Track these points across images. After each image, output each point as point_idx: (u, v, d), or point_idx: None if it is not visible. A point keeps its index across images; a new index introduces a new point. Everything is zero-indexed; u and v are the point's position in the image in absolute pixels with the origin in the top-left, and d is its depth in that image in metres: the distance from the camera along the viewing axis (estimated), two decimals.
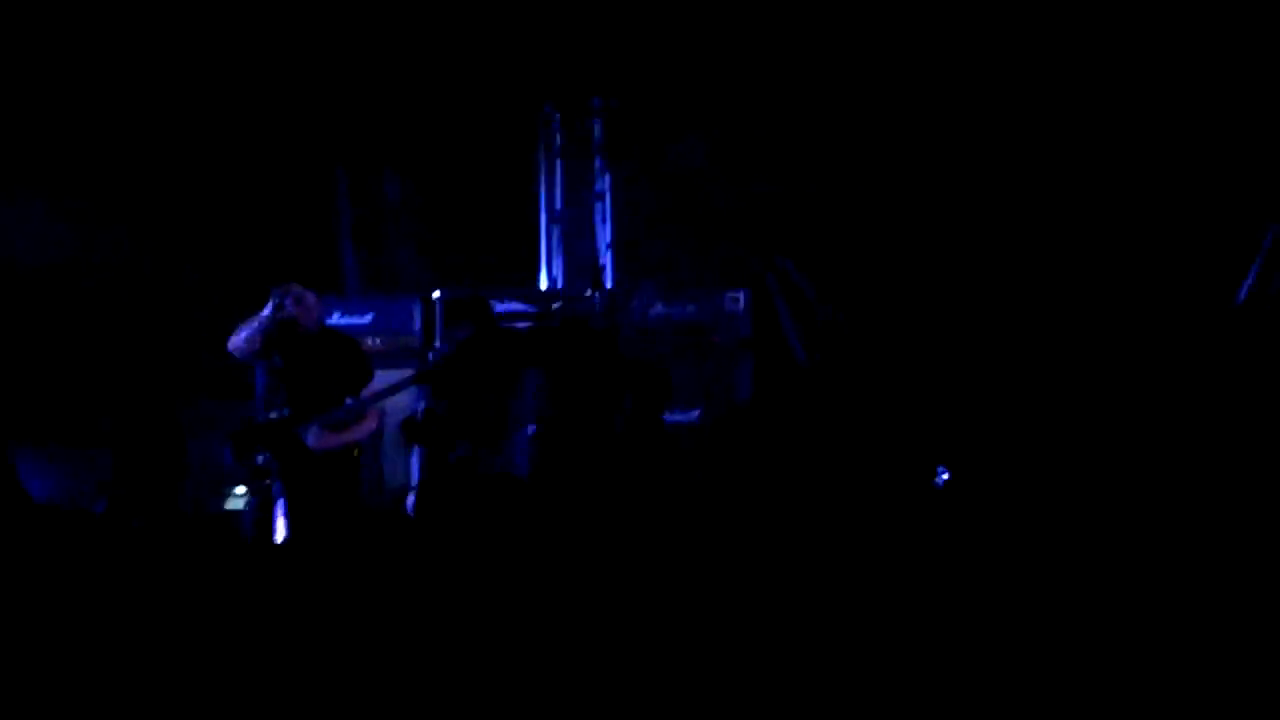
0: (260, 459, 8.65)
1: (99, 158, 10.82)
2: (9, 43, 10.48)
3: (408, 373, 9.27)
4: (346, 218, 11.41)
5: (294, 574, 7.23)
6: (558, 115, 11.52)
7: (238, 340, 8.76)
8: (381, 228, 11.50)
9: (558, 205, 11.51)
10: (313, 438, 8.60)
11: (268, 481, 8.67)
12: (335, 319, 10.28)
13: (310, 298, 8.76)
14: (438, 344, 10.40)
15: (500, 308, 10.66)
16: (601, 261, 11.36)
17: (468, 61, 10.94)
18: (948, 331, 10.65)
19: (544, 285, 11.38)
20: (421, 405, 9.99)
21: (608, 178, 11.48)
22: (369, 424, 8.86)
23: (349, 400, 8.73)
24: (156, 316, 11.07)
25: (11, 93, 10.58)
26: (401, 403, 9.89)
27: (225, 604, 6.11)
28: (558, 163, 11.53)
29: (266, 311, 8.63)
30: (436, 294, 10.49)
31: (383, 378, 8.96)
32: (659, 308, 10.82)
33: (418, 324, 10.56)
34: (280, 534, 8.55)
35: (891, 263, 10.82)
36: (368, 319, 10.52)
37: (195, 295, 10.90)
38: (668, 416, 10.58)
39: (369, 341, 10.20)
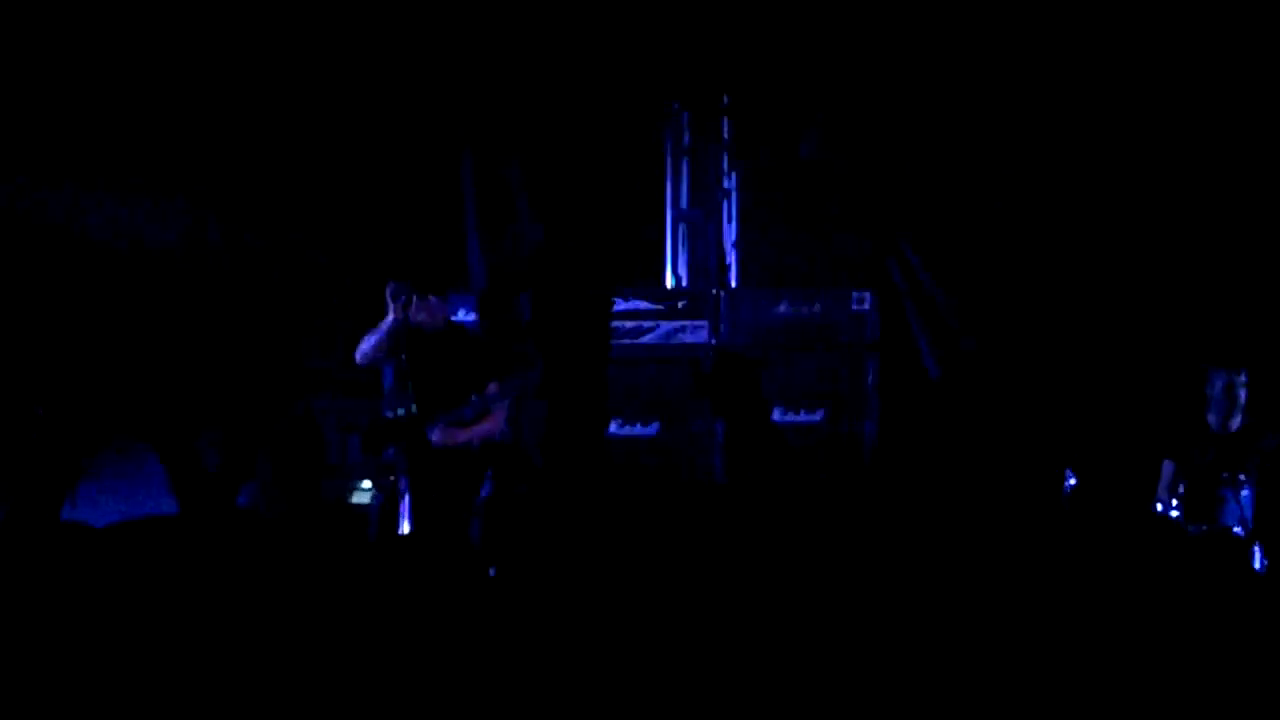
0: (388, 454, 8.72)
1: (230, 150, 10.93)
2: (138, 33, 10.62)
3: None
4: (474, 215, 11.45)
5: (414, 568, 7.28)
6: (685, 113, 11.50)
7: (364, 350, 8.82)
8: (510, 223, 11.52)
9: (683, 203, 11.49)
10: (437, 434, 8.66)
11: (393, 477, 8.73)
12: (462, 315, 10.34)
13: (433, 300, 8.80)
14: None
15: (624, 305, 10.68)
16: (727, 260, 11.35)
17: (598, 59, 10.95)
18: (1085, 342, 10.53)
19: (669, 283, 11.37)
20: None
21: (734, 175, 11.44)
22: (494, 423, 8.90)
23: (474, 398, 8.77)
24: (287, 308, 11.18)
25: (144, 83, 10.72)
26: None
27: (350, 596, 6.15)
28: (684, 160, 11.52)
29: (388, 320, 8.67)
30: None
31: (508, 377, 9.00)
32: (783, 307, 10.78)
33: None
34: (404, 528, 8.60)
35: (1029, 267, 10.70)
36: None
37: (326, 288, 11.00)
38: (792, 417, 10.56)
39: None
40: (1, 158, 10.69)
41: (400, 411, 8.72)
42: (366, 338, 8.78)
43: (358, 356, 8.84)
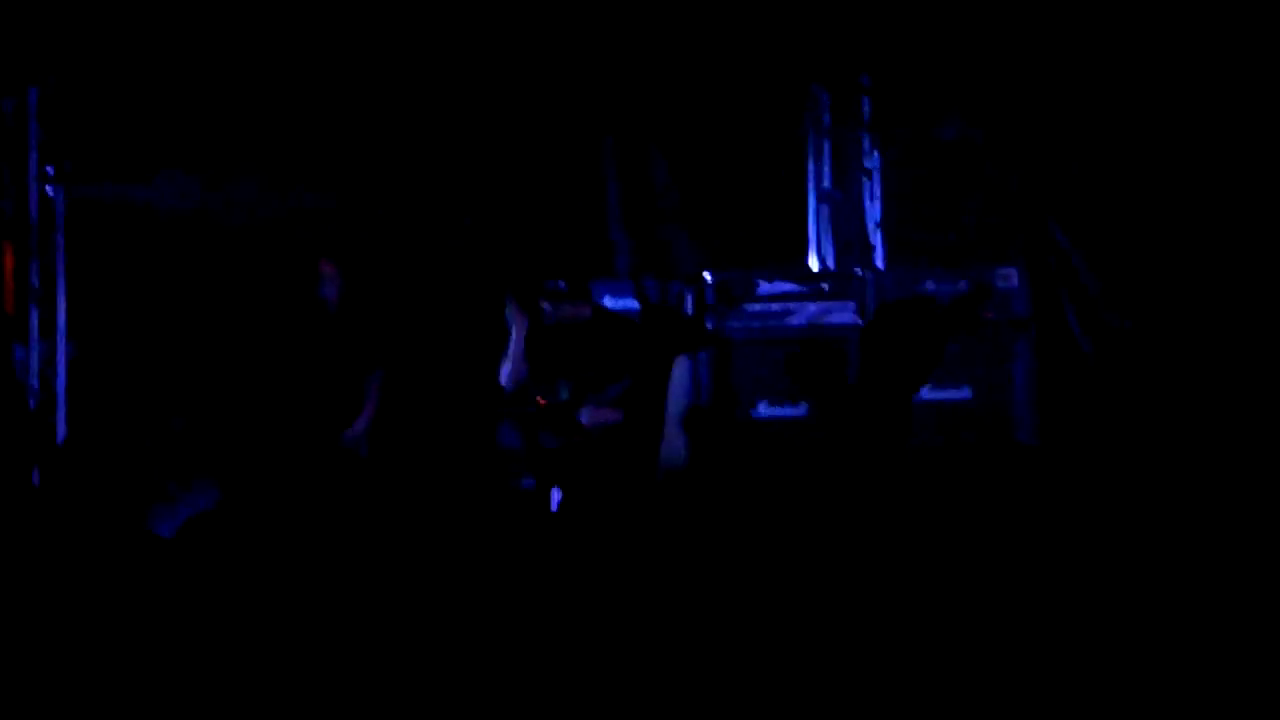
0: (543, 439, 8.84)
1: (375, 145, 11.10)
2: (298, 30, 10.82)
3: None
4: (615, 199, 11.53)
5: (569, 548, 7.39)
6: (826, 94, 11.50)
7: (507, 376, 8.95)
8: (650, 209, 11.60)
9: (825, 184, 11.50)
10: (586, 415, 8.75)
11: (547, 461, 8.85)
12: (606, 302, 10.42)
13: (566, 307, 8.90)
14: (708, 324, 10.49)
15: (768, 288, 10.71)
16: (870, 240, 11.35)
17: (736, 42, 10.98)
18: (1241, 321, 10.39)
19: (813, 265, 11.39)
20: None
21: (876, 155, 11.43)
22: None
23: (623, 380, 8.86)
24: (431, 298, 11.31)
25: (298, 78, 10.92)
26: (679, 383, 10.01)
27: (506, 575, 6.27)
28: (825, 141, 11.52)
29: (513, 345, 8.80)
30: (707, 276, 10.59)
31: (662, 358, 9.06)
32: (929, 285, 10.77)
33: (689, 305, 10.65)
34: (555, 511, 8.72)
35: (1182, 245, 10.58)
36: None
37: (467, 279, 11.12)
38: (939, 395, 10.55)
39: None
40: (162, 156, 10.95)
41: (550, 399, 8.84)
42: (504, 365, 8.92)
43: (507, 385, 8.98)
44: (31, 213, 10.73)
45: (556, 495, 8.90)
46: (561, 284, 8.99)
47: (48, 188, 10.77)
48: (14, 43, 10.47)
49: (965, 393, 10.65)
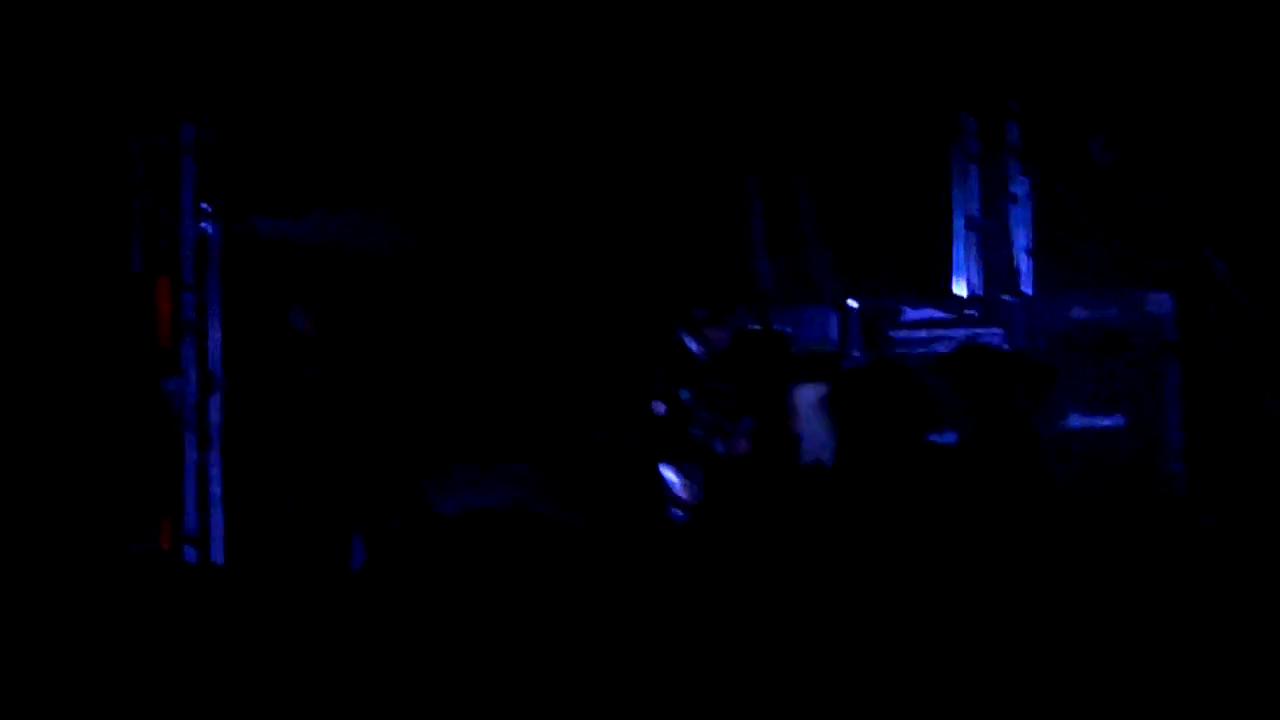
0: (690, 470, 8.86)
1: (520, 176, 11.22)
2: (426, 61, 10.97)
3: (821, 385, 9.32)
4: (759, 228, 11.55)
5: (710, 574, 7.37)
6: (973, 120, 11.43)
7: (658, 410, 9.02)
8: (794, 237, 11.59)
9: (972, 210, 11.43)
10: (743, 443, 8.76)
11: (695, 492, 8.87)
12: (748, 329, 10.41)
13: (711, 328, 8.92)
14: (854, 353, 10.45)
15: (914, 315, 10.65)
16: (1017, 266, 11.24)
17: (881, 70, 10.97)
18: None
19: (959, 292, 11.31)
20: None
21: (1024, 181, 11.34)
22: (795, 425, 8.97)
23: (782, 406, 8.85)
24: (571, 329, 11.41)
25: (448, 112, 11.06)
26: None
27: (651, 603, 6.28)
28: (971, 167, 11.44)
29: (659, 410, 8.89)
30: (852, 303, 10.55)
31: (801, 387, 9.04)
32: (1079, 311, 10.65)
33: (834, 333, 10.62)
34: (706, 538, 8.70)
35: None
36: (784, 330, 10.63)
37: (613, 305, 11.20)
38: (1091, 422, 10.42)
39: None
40: (315, 193, 11.14)
41: (700, 431, 8.86)
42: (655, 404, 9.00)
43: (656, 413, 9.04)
44: (186, 248, 10.93)
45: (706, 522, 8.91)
46: (704, 312, 9.00)
47: (203, 224, 10.97)
48: (171, 80, 10.68)
49: (1118, 420, 10.52)
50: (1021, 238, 11.31)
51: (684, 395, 9.02)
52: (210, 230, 11.01)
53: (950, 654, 5.92)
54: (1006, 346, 10.58)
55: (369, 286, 11.42)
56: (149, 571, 8.85)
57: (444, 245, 11.45)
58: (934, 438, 10.47)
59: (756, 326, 10.61)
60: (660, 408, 9.11)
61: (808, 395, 9.12)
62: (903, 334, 10.62)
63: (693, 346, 8.87)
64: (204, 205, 10.95)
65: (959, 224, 11.42)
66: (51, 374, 10.31)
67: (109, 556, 9.86)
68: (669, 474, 9.19)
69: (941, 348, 10.61)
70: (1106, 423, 10.51)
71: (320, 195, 11.32)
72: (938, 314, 10.70)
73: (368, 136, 11.25)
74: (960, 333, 10.64)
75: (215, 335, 10.86)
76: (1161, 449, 10.48)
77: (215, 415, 10.80)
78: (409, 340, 11.39)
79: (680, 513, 9.16)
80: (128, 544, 10.28)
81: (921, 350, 10.64)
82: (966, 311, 10.74)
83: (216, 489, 10.63)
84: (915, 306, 10.68)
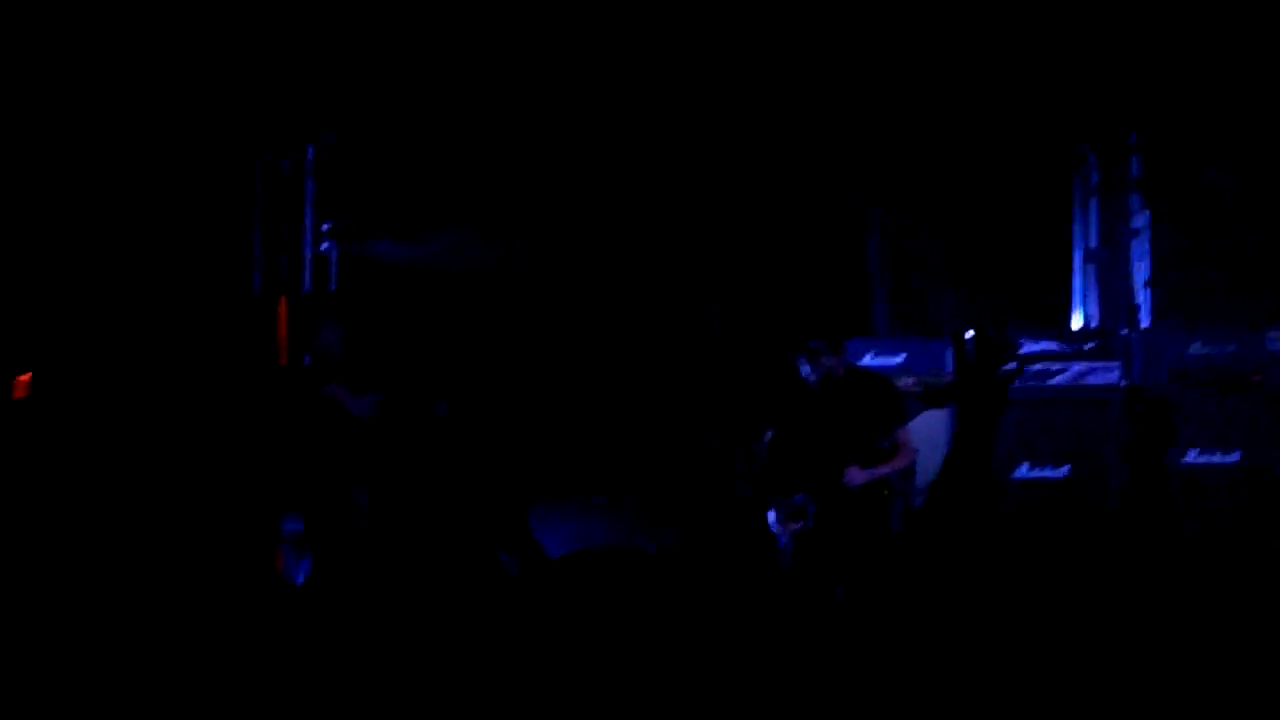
0: (798, 498, 8.81)
1: (644, 219, 11.29)
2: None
3: (942, 414, 9.29)
4: (877, 260, 11.55)
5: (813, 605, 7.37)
6: (1093, 154, 11.38)
7: (768, 438, 9.02)
8: (912, 269, 11.58)
9: (1092, 243, 11.36)
10: (857, 475, 8.71)
11: (805, 522, 8.82)
12: (868, 360, 10.39)
13: (826, 356, 8.91)
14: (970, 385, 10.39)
15: (1032, 347, 10.58)
16: (1136, 300, 11.15)
17: (1003, 103, 10.94)
18: None
19: (1077, 324, 11.24)
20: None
21: (1144, 214, 11.25)
22: (900, 461, 8.91)
23: (882, 440, 8.80)
24: (689, 355, 11.44)
25: (572, 137, 11.15)
26: (937, 440, 9.96)
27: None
28: (1092, 201, 11.39)
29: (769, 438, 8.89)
30: (969, 334, 10.48)
31: (918, 419, 9.00)
32: (1197, 347, 10.55)
33: (949, 364, 10.56)
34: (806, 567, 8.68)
35: None
36: (899, 359, 10.59)
37: (728, 333, 11.23)
38: (1206, 459, 10.32)
39: (901, 382, 10.25)
40: (430, 215, 11.25)
41: (806, 459, 8.83)
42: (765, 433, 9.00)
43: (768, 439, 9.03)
44: (306, 268, 11.05)
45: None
46: (821, 341, 8.97)
47: (322, 244, 11.09)
48: (293, 103, 10.82)
49: (1235, 456, 10.40)
50: (1141, 271, 11.23)
51: (794, 424, 8.99)
52: (329, 251, 11.13)
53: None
54: (1123, 381, 10.50)
55: (480, 309, 11.51)
56: (255, 592, 8.96)
57: (560, 270, 11.52)
58: (1049, 471, 10.47)
59: (875, 357, 10.60)
60: (769, 436, 9.10)
61: (925, 423, 9.09)
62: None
63: (807, 374, 8.84)
64: (324, 227, 11.07)
65: (1078, 257, 11.37)
66: (175, 391, 10.44)
67: (218, 577, 9.98)
68: (778, 504, 9.15)
69: (1058, 380, 10.55)
70: (1222, 459, 10.40)
71: (436, 217, 11.43)
72: (1055, 346, 10.61)
73: (485, 161, 11.34)
74: (1077, 366, 10.55)
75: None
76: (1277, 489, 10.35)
77: None
78: (522, 366, 11.46)
79: (787, 540, 9.12)
80: (243, 561, 10.38)
81: (1037, 383, 10.57)
82: (1084, 345, 10.65)
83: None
84: (1033, 339, 10.60)
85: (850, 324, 9.79)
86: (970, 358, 10.35)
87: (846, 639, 7.44)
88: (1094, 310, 11.32)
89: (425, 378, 10.96)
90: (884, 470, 8.81)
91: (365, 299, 11.21)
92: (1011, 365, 10.06)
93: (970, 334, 10.46)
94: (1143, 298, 11.20)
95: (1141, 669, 6.12)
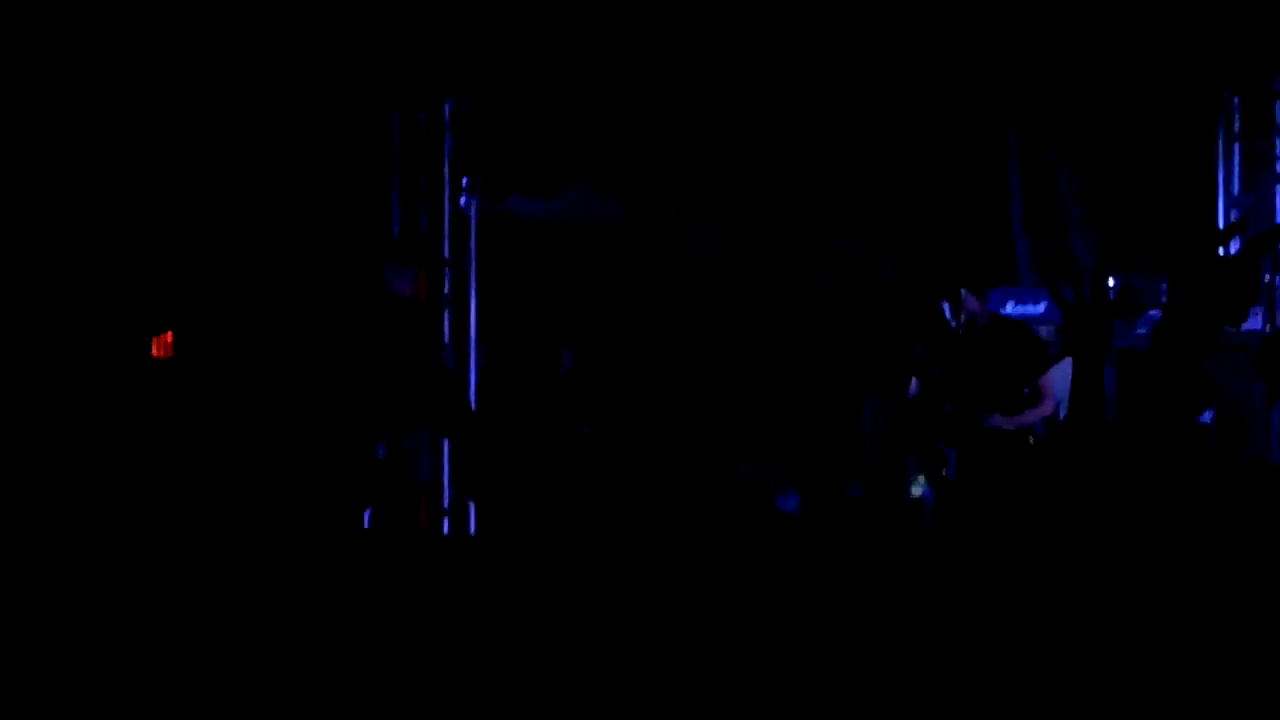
0: (939, 445, 8.80)
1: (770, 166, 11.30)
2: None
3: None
4: (1018, 208, 11.48)
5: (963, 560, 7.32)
6: (1236, 99, 11.22)
7: (913, 389, 9.01)
8: (1054, 216, 11.50)
9: (1235, 190, 11.22)
10: (997, 419, 8.68)
11: (945, 472, 8.80)
12: (1009, 308, 10.35)
13: (971, 302, 8.86)
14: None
15: None
16: None
17: (1145, 48, 10.82)
18: None
19: None
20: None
21: None
22: (1043, 409, 8.87)
23: (1024, 387, 8.76)
24: (829, 308, 11.43)
25: (707, 92, 11.16)
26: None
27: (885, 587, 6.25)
28: (1235, 147, 11.24)
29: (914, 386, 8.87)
30: (1111, 281, 10.40)
31: (1058, 367, 8.94)
32: None
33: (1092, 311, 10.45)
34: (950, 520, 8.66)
35: None
36: (1041, 308, 10.54)
37: (881, 288, 11.22)
38: None
39: (1041, 331, 10.19)
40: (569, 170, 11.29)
41: (949, 408, 8.81)
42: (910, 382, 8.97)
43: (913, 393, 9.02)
44: (444, 224, 11.11)
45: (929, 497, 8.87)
46: (965, 290, 8.94)
47: (461, 199, 11.14)
48: (430, 55, 10.85)
49: None
50: None
51: (938, 372, 8.97)
52: (468, 207, 11.18)
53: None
54: (1265, 328, 10.37)
55: (615, 265, 11.54)
56: (403, 545, 9.03)
57: (698, 226, 11.54)
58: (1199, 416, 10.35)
59: (1018, 306, 10.56)
60: (915, 386, 9.08)
61: (1064, 372, 9.02)
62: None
63: (951, 320, 8.81)
64: (463, 181, 11.12)
65: (1222, 203, 11.23)
66: (311, 349, 10.52)
67: (364, 532, 10.07)
68: (918, 453, 9.13)
69: None
70: None
71: (574, 173, 11.46)
72: None
73: (621, 116, 11.35)
74: None
75: (473, 308, 11.04)
76: None
77: (472, 381, 10.98)
78: (655, 322, 11.49)
79: (929, 491, 9.11)
80: (385, 519, 10.49)
81: None
82: None
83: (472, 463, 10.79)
84: None
85: (993, 273, 9.71)
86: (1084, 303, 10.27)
87: (985, 596, 7.37)
88: None
89: (557, 336, 11.03)
90: (1028, 418, 8.78)
91: (501, 254, 11.28)
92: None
93: (1113, 282, 10.39)
94: None
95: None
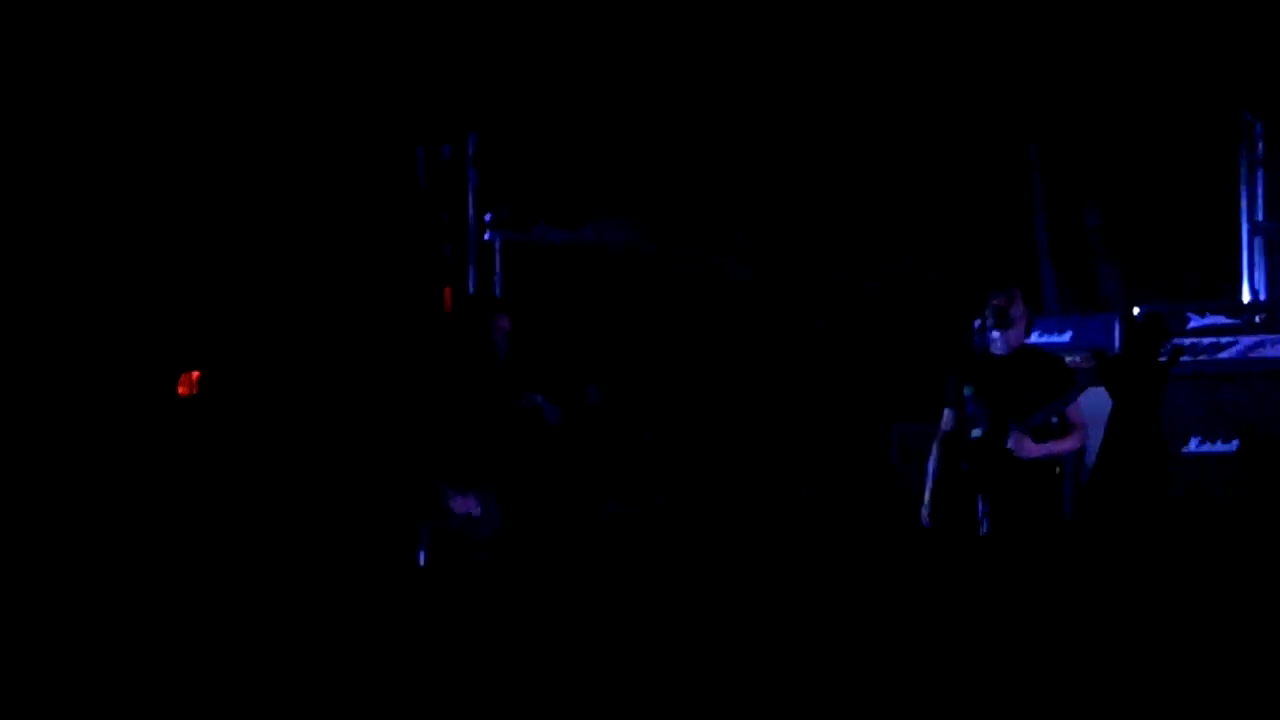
0: (964, 467, 8.78)
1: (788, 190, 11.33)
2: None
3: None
4: (1044, 237, 11.50)
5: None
6: (1259, 124, 11.23)
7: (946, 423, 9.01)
8: (1079, 245, 11.51)
9: (1259, 215, 11.22)
10: (1013, 441, 8.65)
11: (971, 496, 8.78)
12: (1034, 337, 10.30)
13: (1018, 308, 8.87)
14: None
15: (1200, 321, 10.47)
16: None
17: (1167, 73, 10.85)
18: None
19: (1245, 297, 11.11)
20: None
21: None
22: (1072, 441, 8.84)
23: (1052, 416, 8.74)
24: (854, 339, 11.46)
25: (720, 124, 11.19)
26: (1102, 419, 9.87)
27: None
28: (1259, 171, 11.24)
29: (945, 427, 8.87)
30: (1136, 310, 10.40)
31: (1083, 396, 8.92)
32: None
33: (1117, 341, 10.48)
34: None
35: None
36: (1067, 336, 10.52)
37: (901, 316, 11.23)
38: None
39: (1068, 359, 10.19)
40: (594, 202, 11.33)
41: (977, 432, 8.79)
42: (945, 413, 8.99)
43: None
44: (470, 256, 11.15)
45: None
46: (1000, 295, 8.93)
47: (485, 233, 11.17)
48: (454, 88, 10.90)
49: None
50: None
51: (968, 395, 8.95)
52: (493, 239, 11.22)
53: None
54: None
55: (639, 293, 11.56)
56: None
57: (723, 253, 11.57)
58: (1219, 445, 10.35)
59: (1042, 334, 10.55)
60: (948, 419, 9.05)
61: (1091, 401, 9.01)
62: (1188, 340, 10.44)
63: (979, 345, 8.80)
64: (486, 216, 11.16)
65: (1245, 229, 11.24)
66: (339, 385, 10.55)
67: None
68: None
69: (1227, 354, 10.43)
70: None
71: (597, 205, 11.49)
72: (1223, 320, 10.49)
73: (640, 146, 11.38)
74: (1247, 339, 10.42)
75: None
76: None
77: None
78: (676, 348, 11.51)
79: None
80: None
81: (1206, 358, 10.46)
82: (1254, 317, 10.51)
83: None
84: (1200, 313, 10.49)
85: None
86: (1129, 336, 10.26)
87: (1010, 624, 7.40)
88: (1261, 283, 11.18)
89: (581, 363, 11.05)
90: (1058, 448, 8.75)
91: (525, 285, 11.31)
92: (1168, 347, 9.94)
93: (1138, 311, 10.38)
94: None
95: None
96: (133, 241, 10.02)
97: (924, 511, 8.89)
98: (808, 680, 5.89)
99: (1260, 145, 11.24)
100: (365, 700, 5.88)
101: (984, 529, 8.57)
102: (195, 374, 10.26)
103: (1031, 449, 8.65)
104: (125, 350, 9.95)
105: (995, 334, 8.73)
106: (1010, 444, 8.62)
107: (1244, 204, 11.25)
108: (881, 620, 6.56)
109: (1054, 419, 8.69)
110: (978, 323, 8.79)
